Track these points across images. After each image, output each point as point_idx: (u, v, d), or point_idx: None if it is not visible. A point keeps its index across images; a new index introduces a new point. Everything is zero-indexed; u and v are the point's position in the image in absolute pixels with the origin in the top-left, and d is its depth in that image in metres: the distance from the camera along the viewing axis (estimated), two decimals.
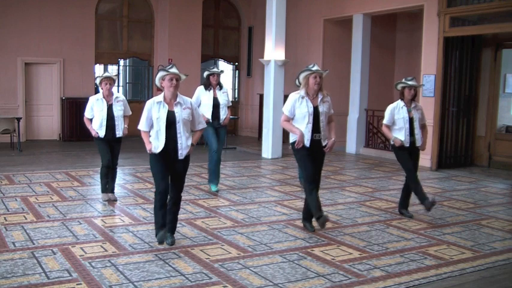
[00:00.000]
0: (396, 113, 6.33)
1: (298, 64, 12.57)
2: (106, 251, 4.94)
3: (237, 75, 17.05)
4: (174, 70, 4.95)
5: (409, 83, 6.31)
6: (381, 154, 12.09)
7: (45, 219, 6.01)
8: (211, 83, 7.64)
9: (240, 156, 11.98)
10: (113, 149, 6.88)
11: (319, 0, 13.54)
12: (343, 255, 5.01)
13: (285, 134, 10.08)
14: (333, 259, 4.88)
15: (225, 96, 7.77)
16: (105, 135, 6.75)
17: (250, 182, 8.74)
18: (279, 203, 7.16)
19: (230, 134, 15.32)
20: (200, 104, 7.59)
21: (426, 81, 10.48)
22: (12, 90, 13.25)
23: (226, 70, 15.11)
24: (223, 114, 7.69)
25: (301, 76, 5.60)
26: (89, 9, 14.11)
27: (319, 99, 5.58)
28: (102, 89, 6.74)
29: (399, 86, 6.39)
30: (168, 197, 5.12)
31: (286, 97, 5.99)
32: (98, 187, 7.47)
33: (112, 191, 7.03)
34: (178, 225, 5.46)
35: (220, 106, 7.66)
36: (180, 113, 4.98)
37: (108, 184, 6.98)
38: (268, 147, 11.65)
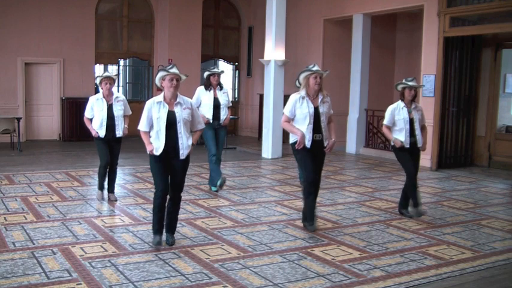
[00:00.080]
0: (397, 113, 6.32)
1: (298, 64, 12.57)
2: (106, 251, 4.94)
3: (237, 75, 17.05)
4: (174, 70, 4.95)
5: (410, 83, 6.30)
6: (381, 154, 12.09)
7: (45, 219, 6.01)
8: (211, 83, 7.63)
9: (240, 156, 11.98)
10: (113, 149, 6.88)
11: (319, 0, 13.54)
12: (343, 255, 5.01)
13: (285, 134, 10.08)
14: (333, 259, 4.88)
15: (226, 96, 7.76)
16: (105, 135, 6.75)
17: (250, 182, 8.74)
18: (279, 203, 7.16)
19: (230, 134, 15.32)
20: (200, 104, 7.59)
21: (426, 81, 10.48)
22: (12, 90, 13.25)
23: (226, 70, 15.11)
24: (224, 114, 7.69)
25: (302, 76, 5.60)
26: (89, 9, 14.11)
27: (320, 100, 5.59)
28: (102, 88, 6.74)
29: (399, 87, 6.38)
30: (168, 197, 5.12)
31: (286, 97, 6.00)
32: None
33: (112, 191, 7.03)
34: (178, 225, 5.45)
35: (221, 106, 7.66)
36: (181, 113, 4.98)
37: (109, 184, 6.99)
38: (268, 147, 11.65)
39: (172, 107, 4.99)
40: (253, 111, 16.33)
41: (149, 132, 5.07)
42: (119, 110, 6.78)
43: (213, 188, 7.76)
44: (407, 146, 6.30)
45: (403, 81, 6.39)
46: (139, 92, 16.19)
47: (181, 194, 5.20)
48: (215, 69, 7.76)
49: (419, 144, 6.36)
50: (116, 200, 6.97)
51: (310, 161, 5.60)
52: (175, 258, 4.76)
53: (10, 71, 13.22)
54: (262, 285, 4.20)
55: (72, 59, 13.87)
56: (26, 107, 13.46)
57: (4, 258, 4.63)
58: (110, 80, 6.71)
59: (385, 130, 6.47)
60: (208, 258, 4.79)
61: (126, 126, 6.86)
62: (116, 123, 6.77)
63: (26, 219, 5.97)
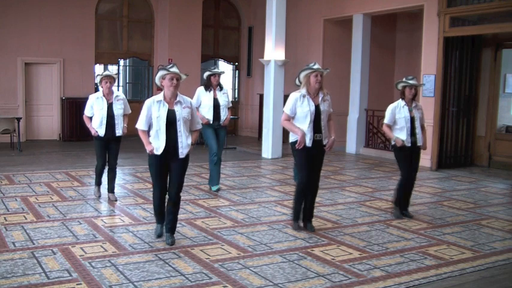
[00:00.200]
0: (397, 112, 6.31)
1: (298, 64, 12.54)
2: (106, 251, 4.94)
3: (237, 75, 17.05)
4: (174, 69, 4.96)
5: (410, 82, 6.30)
6: (381, 154, 12.09)
7: (45, 219, 6.01)
8: (211, 83, 7.63)
9: (240, 156, 11.98)
10: (112, 148, 6.87)
11: (319, 0, 13.54)
12: (343, 255, 5.01)
13: (285, 134, 10.08)
14: (333, 259, 4.88)
15: (226, 97, 7.76)
16: (104, 134, 6.74)
17: (250, 182, 8.74)
18: (279, 203, 7.16)
19: (230, 134, 15.32)
20: (200, 104, 7.59)
21: (426, 81, 10.48)
22: (12, 90, 13.25)
23: (226, 70, 15.10)
24: (224, 115, 7.68)
25: (302, 75, 5.59)
26: (89, 9, 14.11)
27: (320, 98, 5.58)
28: (102, 87, 6.74)
29: (400, 85, 6.37)
30: (167, 197, 5.12)
31: (286, 97, 5.99)
32: None
33: (112, 191, 7.03)
34: (178, 225, 5.46)
35: (221, 107, 7.65)
36: (180, 112, 4.98)
37: (109, 184, 6.99)
38: (268, 147, 11.65)
39: (172, 105, 4.99)
40: (253, 111, 16.33)
41: (147, 131, 5.07)
42: (118, 109, 6.77)
43: (213, 188, 7.76)
44: (408, 145, 6.29)
45: (404, 79, 6.38)
46: (139, 92, 16.19)
47: (181, 194, 5.19)
48: (216, 70, 7.74)
49: (420, 143, 6.36)
50: (116, 200, 6.96)
51: (308, 162, 5.59)
52: (175, 258, 4.76)
53: (10, 71, 13.22)
54: (262, 285, 4.20)
55: (72, 59, 13.87)
56: (26, 107, 13.46)
57: (4, 258, 4.63)
58: (110, 79, 6.71)
59: (385, 129, 6.46)
60: (208, 258, 4.78)
61: (125, 125, 6.86)
62: (116, 122, 6.76)
63: (26, 219, 5.97)
